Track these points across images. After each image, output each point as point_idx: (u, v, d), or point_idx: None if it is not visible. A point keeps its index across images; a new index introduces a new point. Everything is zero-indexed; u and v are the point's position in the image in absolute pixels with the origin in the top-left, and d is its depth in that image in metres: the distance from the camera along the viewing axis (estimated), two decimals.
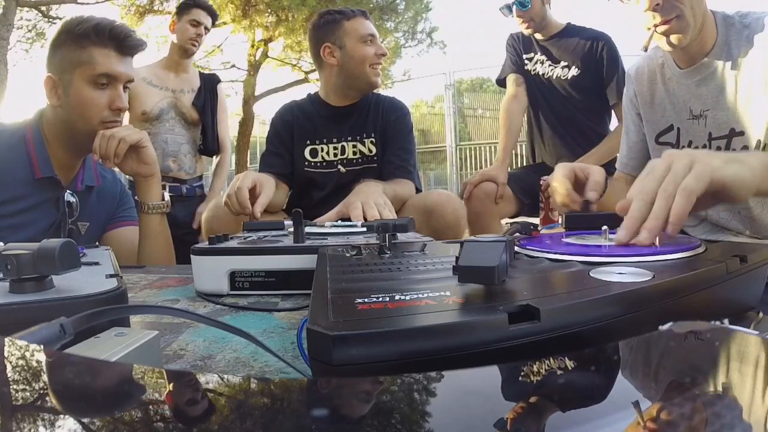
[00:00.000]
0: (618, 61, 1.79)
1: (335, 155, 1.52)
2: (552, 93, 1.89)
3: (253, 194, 1.15)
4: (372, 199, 1.11)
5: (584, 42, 1.82)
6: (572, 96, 1.86)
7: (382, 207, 1.09)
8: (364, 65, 1.46)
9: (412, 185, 1.43)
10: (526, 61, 1.93)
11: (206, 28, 2.03)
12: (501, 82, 2.03)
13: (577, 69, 1.83)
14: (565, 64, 1.85)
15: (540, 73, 1.90)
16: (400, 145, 1.50)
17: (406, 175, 1.43)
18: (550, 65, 1.88)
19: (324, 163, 1.52)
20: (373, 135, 1.51)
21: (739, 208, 1.01)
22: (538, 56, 1.90)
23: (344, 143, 1.53)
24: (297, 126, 1.53)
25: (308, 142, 1.52)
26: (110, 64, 1.03)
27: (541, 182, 1.56)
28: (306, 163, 1.52)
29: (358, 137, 1.52)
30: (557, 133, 1.91)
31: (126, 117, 1.12)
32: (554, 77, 1.87)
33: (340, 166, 1.51)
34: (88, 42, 1.02)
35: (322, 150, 1.52)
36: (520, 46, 1.95)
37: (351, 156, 1.52)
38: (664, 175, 0.55)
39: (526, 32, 1.88)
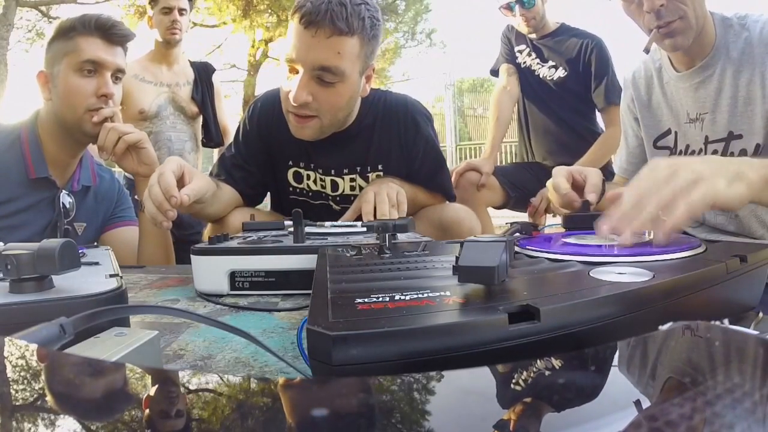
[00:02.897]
0: (608, 65, 1.79)
1: (323, 187, 1.16)
2: (542, 87, 1.91)
3: (181, 183, 0.88)
4: (385, 191, 0.99)
5: (573, 44, 1.82)
6: (560, 95, 1.87)
7: (393, 202, 0.98)
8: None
9: (438, 196, 1.22)
10: (517, 54, 1.95)
11: (182, 10, 1.86)
12: (495, 73, 2.06)
13: (564, 70, 1.84)
14: (552, 64, 1.86)
15: (530, 67, 1.92)
16: (432, 178, 1.19)
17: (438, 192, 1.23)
18: (538, 63, 1.89)
19: (310, 193, 1.18)
20: (380, 168, 1.14)
21: (735, 212, 1.01)
22: (528, 51, 1.92)
23: (337, 178, 1.14)
24: (275, 140, 1.13)
25: (290, 163, 1.16)
26: (95, 51, 1.03)
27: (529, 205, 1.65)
28: (291, 189, 1.19)
29: (358, 169, 1.13)
30: (548, 127, 1.93)
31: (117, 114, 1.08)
32: (542, 76, 1.89)
33: (331, 203, 1.17)
34: (74, 33, 1.03)
35: (308, 177, 1.16)
36: (512, 39, 1.96)
37: (347, 192, 1.15)
38: (664, 181, 0.54)
39: (525, 30, 1.88)
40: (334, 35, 0.91)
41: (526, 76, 1.93)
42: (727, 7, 0.99)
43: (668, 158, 0.59)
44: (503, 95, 1.95)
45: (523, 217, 1.93)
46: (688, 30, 0.89)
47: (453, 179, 1.74)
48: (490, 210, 1.89)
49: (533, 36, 1.90)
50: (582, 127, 1.88)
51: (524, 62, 1.93)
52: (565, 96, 1.85)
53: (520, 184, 1.85)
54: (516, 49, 1.94)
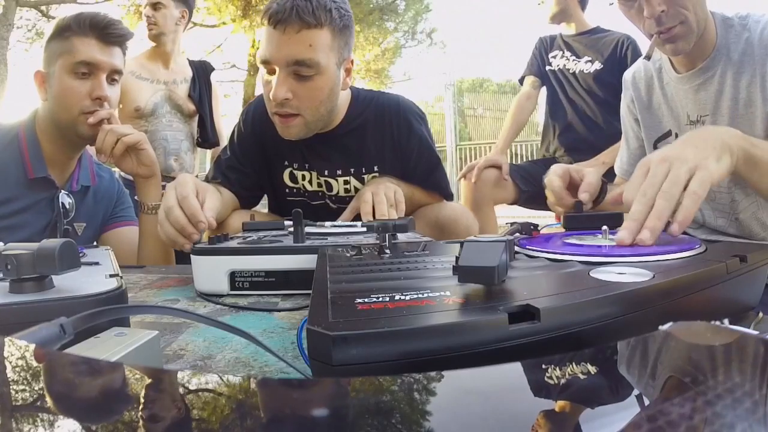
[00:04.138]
0: None
1: (319, 185, 1.17)
2: (574, 85, 1.96)
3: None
4: (383, 191, 1.00)
5: (609, 40, 1.90)
6: (593, 90, 1.91)
7: (391, 202, 0.99)
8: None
9: (435, 195, 1.22)
10: (550, 59, 2.01)
11: (156, 4, 1.82)
12: (521, 81, 2.13)
13: (599, 64, 1.89)
14: (588, 59, 1.92)
15: (564, 67, 1.97)
16: (428, 177, 1.19)
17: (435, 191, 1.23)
18: (574, 60, 1.95)
19: (307, 194, 1.19)
20: (376, 169, 1.14)
21: (735, 215, 1.01)
22: (563, 53, 1.98)
23: (331, 179, 1.14)
24: (270, 142, 1.14)
25: (286, 163, 1.17)
26: (90, 52, 1.01)
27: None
28: (287, 190, 1.20)
29: (352, 170, 1.14)
30: (575, 125, 1.96)
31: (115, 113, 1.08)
32: (577, 71, 1.94)
33: (328, 201, 1.18)
34: (69, 32, 1.01)
35: (304, 178, 1.17)
36: (546, 47, 2.04)
37: (342, 194, 1.16)
38: (663, 179, 0.57)
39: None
40: (303, 29, 0.93)
41: (558, 78, 1.99)
42: (728, 6, 0.98)
43: (657, 153, 0.62)
44: (524, 100, 2.05)
45: (533, 215, 1.93)
46: (690, 34, 0.89)
47: (475, 175, 1.77)
48: (503, 208, 1.91)
49: (568, 33, 1.97)
50: (611, 123, 1.91)
51: (558, 66, 1.99)
52: (601, 90, 1.89)
53: (533, 180, 1.86)
54: (550, 55, 2.01)
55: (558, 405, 0.20)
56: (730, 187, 0.99)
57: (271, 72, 0.98)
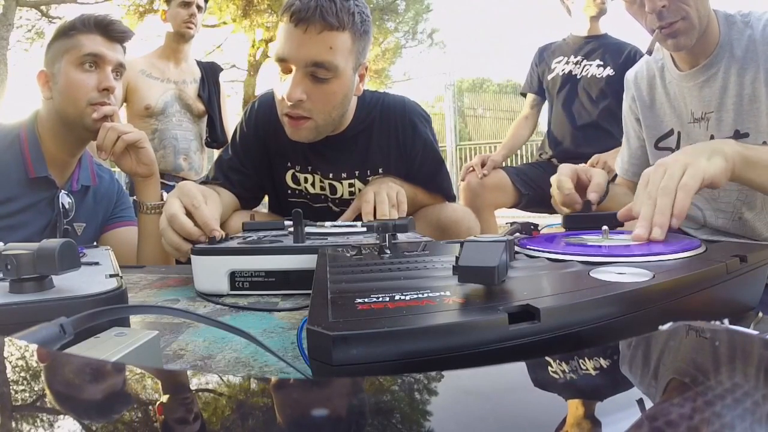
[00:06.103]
0: None
1: (322, 189, 1.16)
2: (578, 92, 1.92)
3: None
4: (385, 191, 0.99)
5: (621, 49, 1.88)
6: (604, 95, 1.88)
7: (393, 202, 0.99)
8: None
9: (438, 196, 1.22)
10: (553, 66, 1.97)
11: (199, 7, 1.88)
12: (524, 94, 2.14)
13: (612, 70, 1.86)
14: (601, 63, 1.89)
15: (571, 73, 1.94)
16: (431, 178, 1.19)
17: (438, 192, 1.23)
18: (585, 64, 1.91)
19: (309, 196, 1.18)
20: (380, 170, 1.14)
21: (738, 215, 1.01)
22: (572, 58, 1.94)
23: (336, 182, 1.14)
24: (273, 142, 1.14)
25: (288, 165, 1.15)
26: (96, 46, 1.04)
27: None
28: (289, 191, 1.18)
29: (357, 173, 1.13)
30: (578, 135, 1.92)
31: (123, 111, 1.10)
32: (589, 75, 1.90)
33: (330, 204, 1.18)
34: (74, 31, 1.04)
35: (307, 180, 1.16)
36: (547, 57, 2.00)
37: (346, 197, 1.15)
38: (660, 179, 0.63)
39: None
40: (325, 30, 0.91)
41: (559, 88, 1.95)
42: (730, 4, 0.98)
43: (657, 162, 0.67)
44: (523, 123, 2.08)
45: (533, 216, 1.93)
46: (691, 30, 0.89)
47: (478, 173, 1.77)
48: (503, 209, 1.91)
49: (580, 34, 1.94)
50: (613, 136, 1.88)
51: (563, 71, 1.94)
52: (612, 95, 1.87)
53: (533, 183, 1.85)
54: (554, 61, 1.97)
55: (558, 405, 0.20)
56: (735, 188, 0.99)
57: (287, 71, 0.96)
